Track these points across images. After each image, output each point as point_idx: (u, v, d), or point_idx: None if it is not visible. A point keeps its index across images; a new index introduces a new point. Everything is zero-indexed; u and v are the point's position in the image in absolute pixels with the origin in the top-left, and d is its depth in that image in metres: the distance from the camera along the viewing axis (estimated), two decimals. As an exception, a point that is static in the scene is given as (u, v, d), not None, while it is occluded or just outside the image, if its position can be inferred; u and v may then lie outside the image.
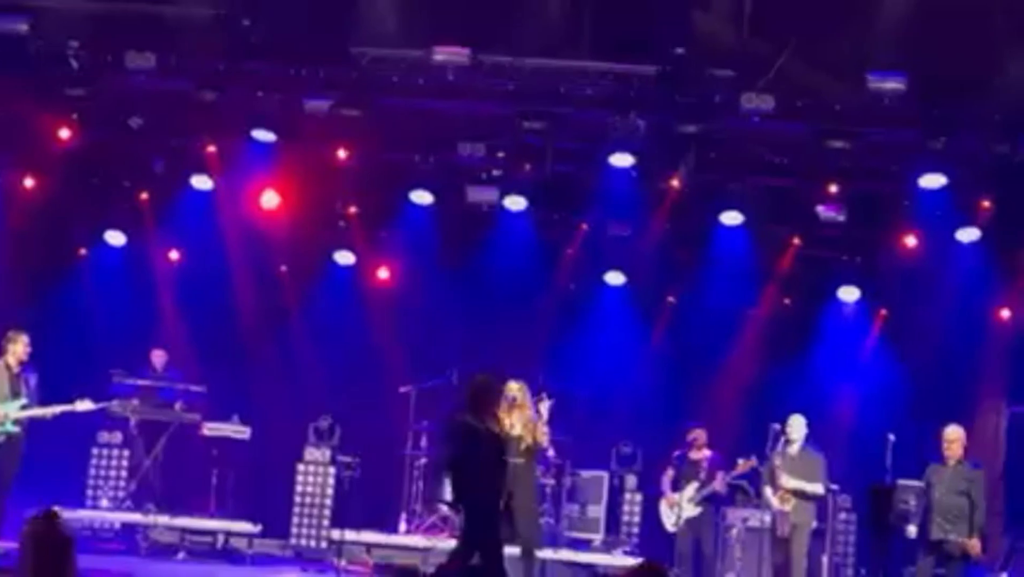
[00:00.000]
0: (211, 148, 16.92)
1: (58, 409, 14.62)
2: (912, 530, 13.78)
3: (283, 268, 19.09)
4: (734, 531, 15.66)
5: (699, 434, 15.75)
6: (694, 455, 15.68)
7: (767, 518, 15.07)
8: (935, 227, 16.50)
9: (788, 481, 14.53)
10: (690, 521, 15.47)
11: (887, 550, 13.38)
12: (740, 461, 15.18)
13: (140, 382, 16.56)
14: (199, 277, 18.19)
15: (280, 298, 19.04)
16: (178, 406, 16.73)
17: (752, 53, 15.14)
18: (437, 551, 16.07)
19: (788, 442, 14.73)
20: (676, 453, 15.90)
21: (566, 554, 16.40)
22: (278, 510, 17.17)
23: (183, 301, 18.37)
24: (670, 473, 15.77)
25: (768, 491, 14.84)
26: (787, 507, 14.54)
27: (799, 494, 14.63)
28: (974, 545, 13.28)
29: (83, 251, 18.56)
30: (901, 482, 13.87)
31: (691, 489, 15.44)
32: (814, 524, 15.06)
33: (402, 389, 17.46)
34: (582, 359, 17.02)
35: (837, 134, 15.37)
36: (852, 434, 17.20)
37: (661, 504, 15.81)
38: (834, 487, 16.00)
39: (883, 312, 18.39)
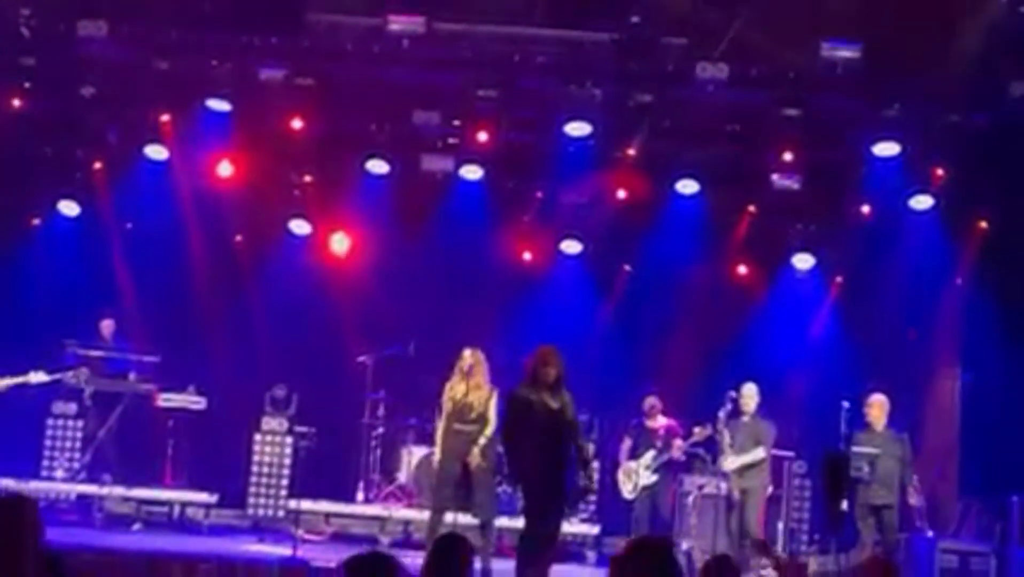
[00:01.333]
0: (165, 117, 16.79)
1: (12, 381, 14.58)
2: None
3: (239, 237, 19.04)
4: (690, 498, 15.74)
5: (655, 402, 15.85)
6: (651, 423, 15.75)
7: (723, 485, 15.16)
8: (889, 195, 16.57)
9: (732, 462, 14.68)
10: (647, 488, 15.54)
11: (841, 516, 13.48)
12: (696, 429, 15.26)
13: (94, 353, 16.47)
14: (154, 247, 18.05)
15: (236, 267, 18.98)
16: (132, 377, 16.67)
17: (706, 21, 15.14)
18: (394, 520, 16.14)
19: (740, 412, 14.82)
20: (633, 422, 15.98)
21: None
22: (235, 480, 17.18)
23: (138, 271, 18.24)
24: (627, 442, 15.85)
25: (721, 459, 14.93)
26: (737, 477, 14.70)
27: (746, 467, 14.77)
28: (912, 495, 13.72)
29: (36, 221, 18.42)
30: (855, 449, 13.96)
31: (648, 457, 15.52)
32: (769, 489, 15.17)
33: (360, 358, 17.44)
34: (538, 327, 17.00)
35: (791, 102, 15.44)
36: (807, 401, 17.29)
37: (619, 472, 15.88)
38: (789, 454, 16.13)
39: (838, 279, 18.48)
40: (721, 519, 14.99)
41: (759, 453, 14.86)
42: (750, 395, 14.91)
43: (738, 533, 14.72)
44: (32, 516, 6.78)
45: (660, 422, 15.72)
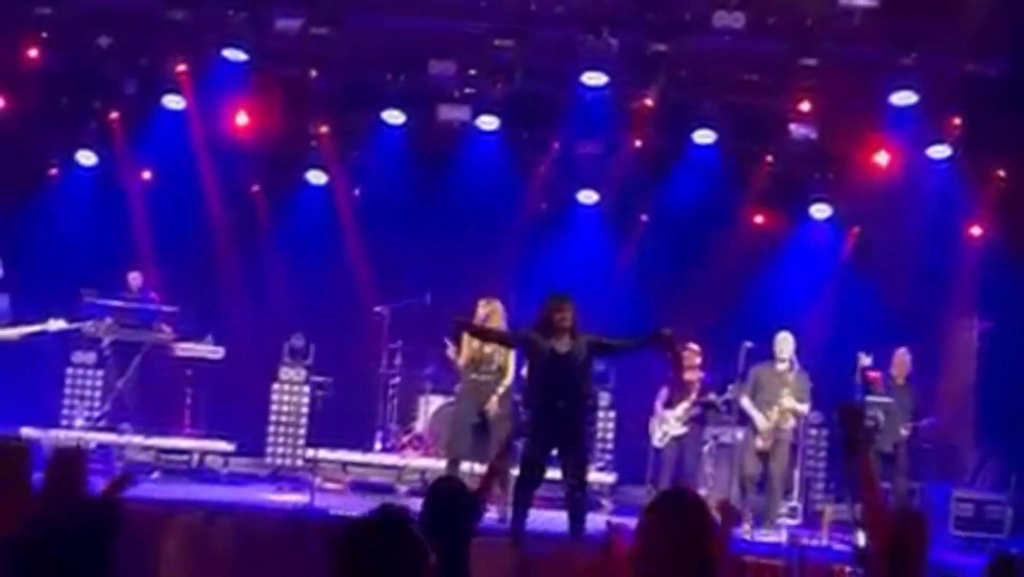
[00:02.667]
0: (181, 67, 16.80)
1: (30, 329, 14.67)
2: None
3: (255, 188, 19.07)
4: (706, 448, 15.77)
5: (691, 353, 15.74)
6: (687, 375, 15.71)
7: (739, 434, 15.16)
8: (906, 144, 16.53)
9: (790, 401, 14.57)
10: (675, 439, 15.55)
11: (856, 466, 13.49)
12: (731, 386, 15.17)
13: (112, 303, 16.51)
14: (171, 197, 18.10)
15: (253, 217, 19.04)
16: (155, 327, 16.68)
17: (723, -31, 15.08)
18: (411, 469, 16.22)
19: (779, 360, 14.75)
20: (670, 374, 15.95)
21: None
22: (253, 429, 17.25)
23: (155, 221, 18.31)
24: (664, 392, 15.80)
25: (748, 402, 14.86)
26: (786, 424, 14.61)
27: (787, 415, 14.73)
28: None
29: (54, 171, 18.48)
30: (870, 399, 14.00)
31: (681, 408, 15.47)
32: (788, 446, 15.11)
33: (377, 308, 17.49)
34: (554, 277, 17.01)
35: (808, 51, 15.38)
36: (824, 351, 17.28)
37: (652, 421, 15.84)
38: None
39: (855, 230, 18.45)
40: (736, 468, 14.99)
41: (806, 409, 14.83)
42: (787, 345, 14.78)
43: (760, 481, 14.62)
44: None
45: (696, 375, 15.67)
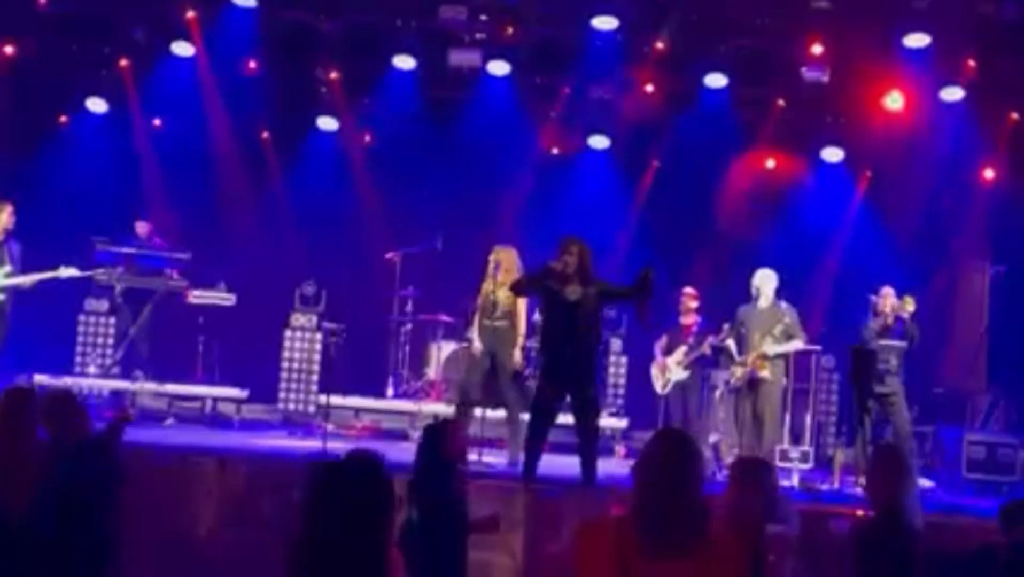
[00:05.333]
0: (191, 14, 16.76)
1: (42, 276, 14.71)
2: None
3: (265, 135, 19.04)
4: (717, 392, 15.76)
5: (688, 298, 15.71)
6: (684, 320, 15.71)
7: (737, 372, 15.03)
8: (919, 87, 16.44)
9: (768, 345, 14.39)
10: (678, 384, 15.55)
11: (868, 409, 13.51)
12: (725, 326, 15.14)
13: (124, 250, 16.50)
14: (182, 144, 18.11)
15: (263, 164, 19.02)
16: (167, 274, 16.68)
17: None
18: (424, 415, 16.23)
19: (757, 297, 14.56)
20: (670, 321, 15.94)
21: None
22: (265, 376, 17.29)
23: (166, 168, 18.32)
24: (664, 339, 15.81)
25: (731, 344, 14.62)
26: (763, 371, 14.39)
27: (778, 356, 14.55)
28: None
29: (64, 118, 18.46)
30: (882, 342, 13.94)
31: (679, 353, 15.49)
32: (784, 381, 14.86)
33: (388, 255, 17.49)
34: (566, 222, 16.99)
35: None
36: (836, 294, 17.29)
37: (652, 368, 15.87)
38: (817, 348, 16.09)
39: (867, 173, 18.40)
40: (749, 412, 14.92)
41: (797, 344, 14.60)
42: (764, 279, 14.44)
43: (752, 425, 14.44)
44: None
45: (693, 319, 15.67)
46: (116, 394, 16.31)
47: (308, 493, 4.67)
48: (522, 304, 13.59)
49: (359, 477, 4.71)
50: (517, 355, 13.73)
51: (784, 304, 14.46)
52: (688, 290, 15.68)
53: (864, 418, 13.36)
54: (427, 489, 7.81)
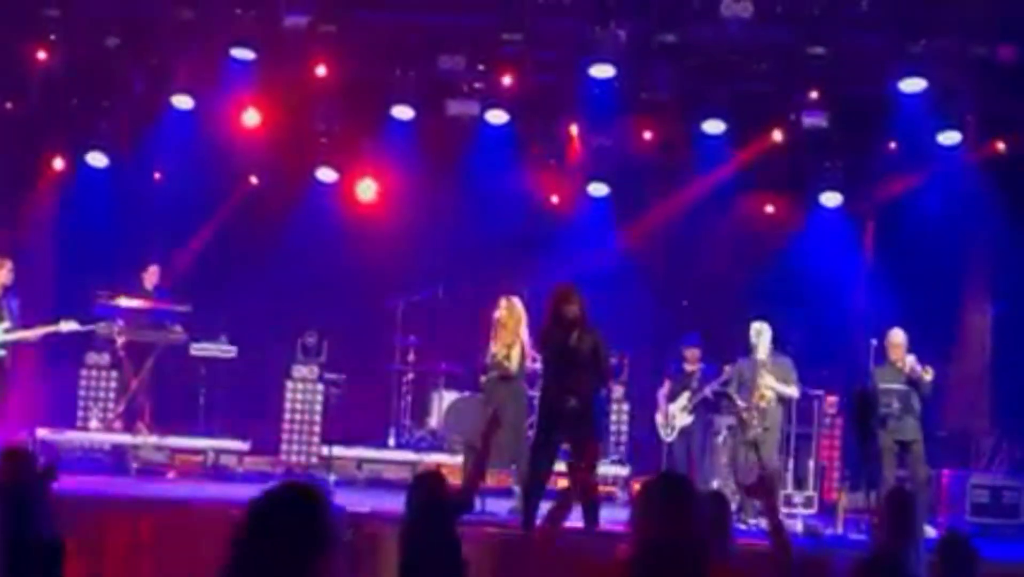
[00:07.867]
0: (190, 67, 16.82)
1: (42, 331, 14.74)
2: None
3: (266, 185, 19.09)
4: (720, 437, 15.73)
5: (694, 352, 15.74)
6: (688, 367, 15.71)
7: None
8: (916, 131, 16.46)
9: (767, 379, 14.33)
10: (683, 430, 15.54)
11: (870, 453, 13.47)
12: (726, 368, 15.14)
13: (125, 304, 16.51)
14: (182, 196, 18.15)
15: (264, 216, 19.04)
16: (168, 328, 16.67)
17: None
18: (426, 465, 16.20)
19: (757, 350, 14.41)
20: (672, 366, 15.93)
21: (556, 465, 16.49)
22: (267, 427, 17.27)
23: (167, 221, 18.35)
24: (667, 385, 15.79)
25: (733, 393, 14.60)
26: (765, 404, 14.27)
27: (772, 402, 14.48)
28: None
29: (64, 171, 18.45)
30: (883, 386, 13.90)
31: (683, 399, 15.48)
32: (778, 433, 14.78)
33: (389, 304, 17.51)
34: (565, 270, 17.01)
35: (817, 39, 15.33)
36: (837, 339, 17.27)
37: (657, 416, 15.84)
38: (819, 392, 16.07)
39: (866, 217, 18.42)
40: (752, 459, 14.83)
41: (794, 391, 14.59)
42: (757, 333, 14.39)
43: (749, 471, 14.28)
44: None
45: (697, 366, 15.68)
46: (117, 448, 16.32)
47: (238, 523, 4.41)
48: (517, 354, 13.53)
49: (289, 507, 4.43)
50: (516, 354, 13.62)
51: (781, 357, 14.51)
52: (691, 352, 15.70)
53: (870, 460, 13.33)
54: (419, 536, 7.81)
